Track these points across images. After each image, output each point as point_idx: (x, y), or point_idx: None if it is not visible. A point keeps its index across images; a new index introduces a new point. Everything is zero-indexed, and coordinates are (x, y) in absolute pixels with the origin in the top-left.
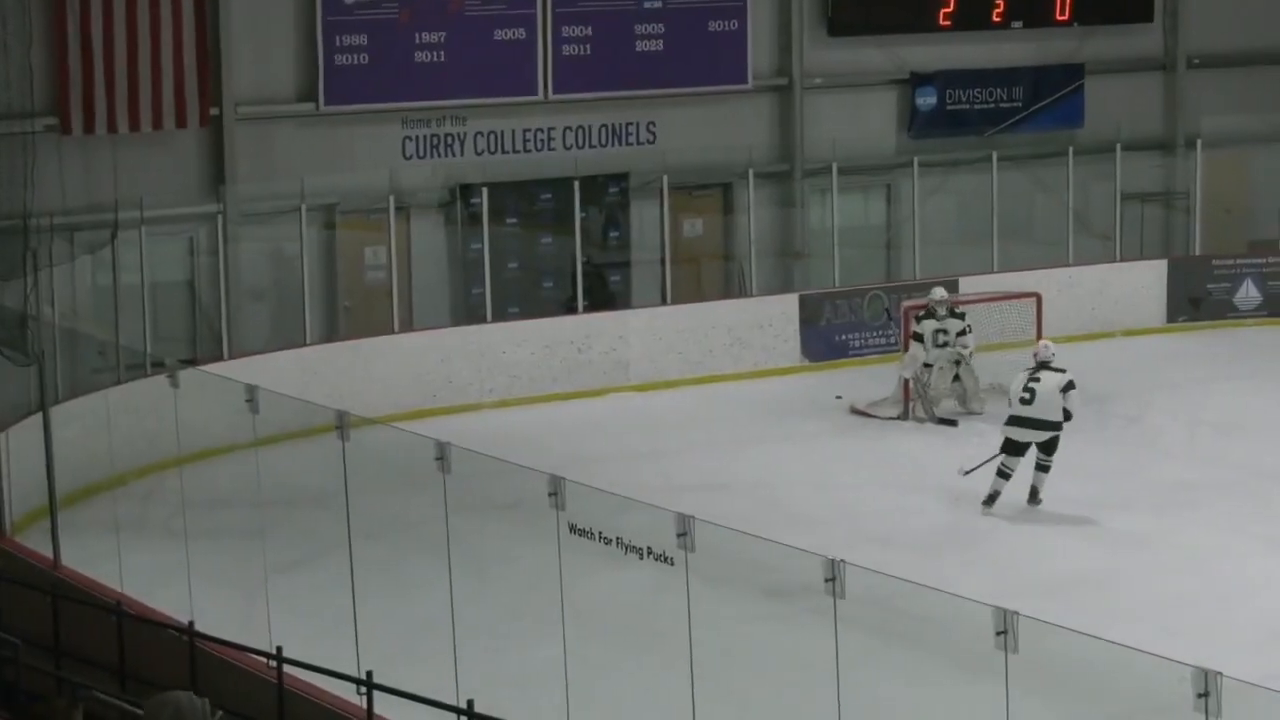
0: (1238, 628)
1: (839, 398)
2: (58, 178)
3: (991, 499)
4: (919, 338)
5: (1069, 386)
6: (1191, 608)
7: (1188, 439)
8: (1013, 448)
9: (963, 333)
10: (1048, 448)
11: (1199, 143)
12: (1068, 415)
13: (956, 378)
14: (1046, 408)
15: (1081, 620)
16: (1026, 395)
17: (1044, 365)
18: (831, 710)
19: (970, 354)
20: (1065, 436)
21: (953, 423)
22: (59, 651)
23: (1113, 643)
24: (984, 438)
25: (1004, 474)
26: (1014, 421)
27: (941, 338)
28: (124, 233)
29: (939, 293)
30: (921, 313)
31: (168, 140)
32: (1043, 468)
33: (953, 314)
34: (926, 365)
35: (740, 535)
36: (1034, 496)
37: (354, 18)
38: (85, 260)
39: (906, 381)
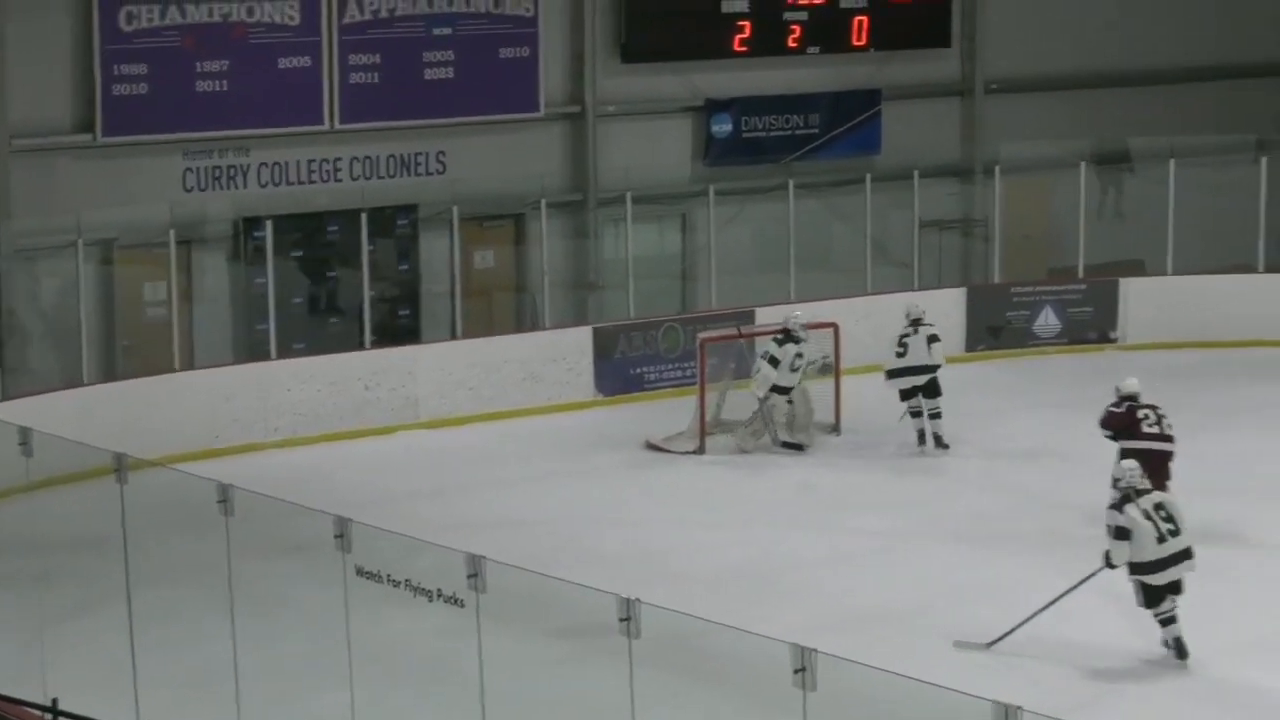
0: (1040, 660)
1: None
2: None
3: (920, 437)
4: (774, 361)
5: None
6: (990, 639)
7: (987, 470)
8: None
9: (825, 357)
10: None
11: (997, 169)
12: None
13: (789, 402)
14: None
15: (883, 655)
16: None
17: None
18: None
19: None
20: (865, 469)
21: (800, 446)
22: None
23: (911, 678)
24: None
25: (916, 413)
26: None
27: (798, 363)
28: None
29: (800, 316)
30: (780, 336)
31: None
32: (934, 415)
33: (805, 337)
34: (779, 390)
35: (533, 575)
36: (940, 443)
37: (133, 46)
38: None
39: (703, 415)
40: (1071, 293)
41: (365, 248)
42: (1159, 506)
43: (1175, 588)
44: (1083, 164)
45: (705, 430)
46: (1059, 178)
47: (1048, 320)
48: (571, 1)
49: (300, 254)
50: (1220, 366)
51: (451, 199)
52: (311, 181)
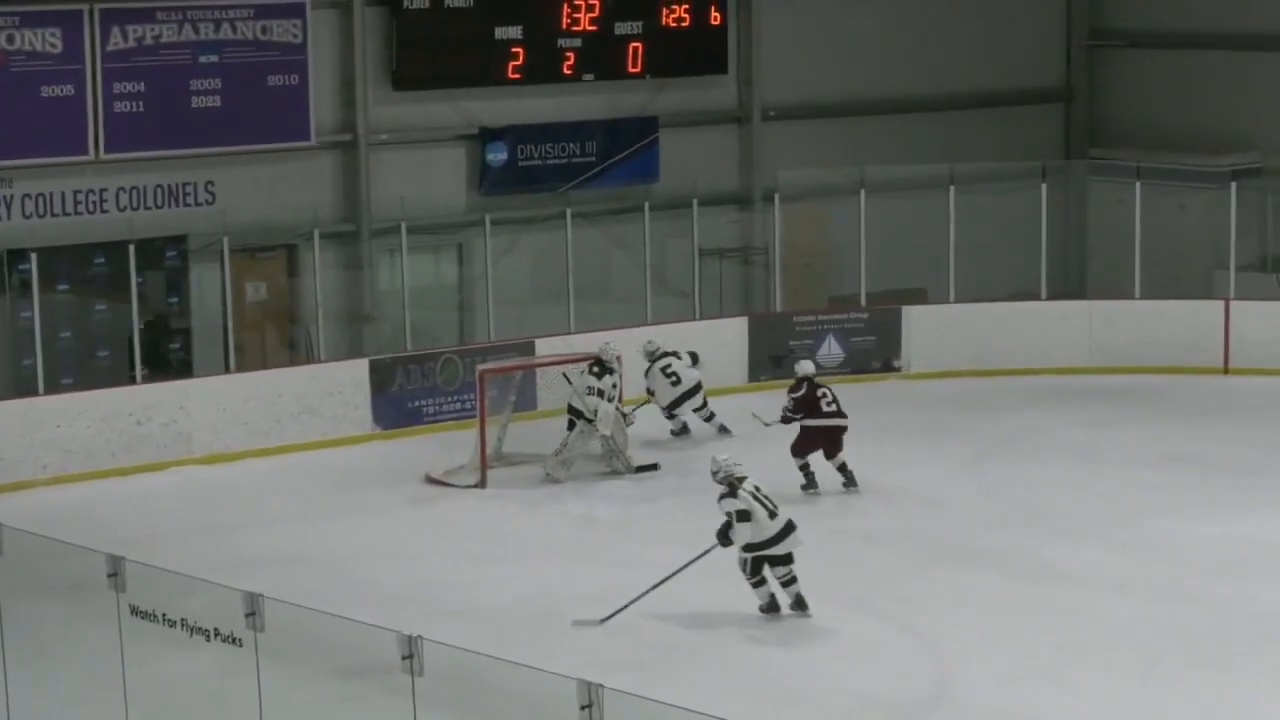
0: (827, 695)
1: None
2: None
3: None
4: (600, 393)
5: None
6: (773, 672)
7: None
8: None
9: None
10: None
11: (776, 196)
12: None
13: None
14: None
15: (669, 691)
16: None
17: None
18: None
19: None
20: (647, 497)
21: (654, 466)
22: None
23: (701, 714)
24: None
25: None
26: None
27: (612, 392)
28: None
29: (613, 346)
30: (595, 368)
31: None
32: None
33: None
34: (582, 416)
35: (312, 613)
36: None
37: None
38: None
39: (484, 448)
40: (854, 321)
41: (134, 279)
42: (758, 489)
43: (788, 558)
44: (861, 190)
45: (486, 464)
46: (839, 204)
47: (831, 349)
48: (341, 28)
49: (66, 287)
50: (1003, 394)
51: (222, 229)
52: (78, 213)
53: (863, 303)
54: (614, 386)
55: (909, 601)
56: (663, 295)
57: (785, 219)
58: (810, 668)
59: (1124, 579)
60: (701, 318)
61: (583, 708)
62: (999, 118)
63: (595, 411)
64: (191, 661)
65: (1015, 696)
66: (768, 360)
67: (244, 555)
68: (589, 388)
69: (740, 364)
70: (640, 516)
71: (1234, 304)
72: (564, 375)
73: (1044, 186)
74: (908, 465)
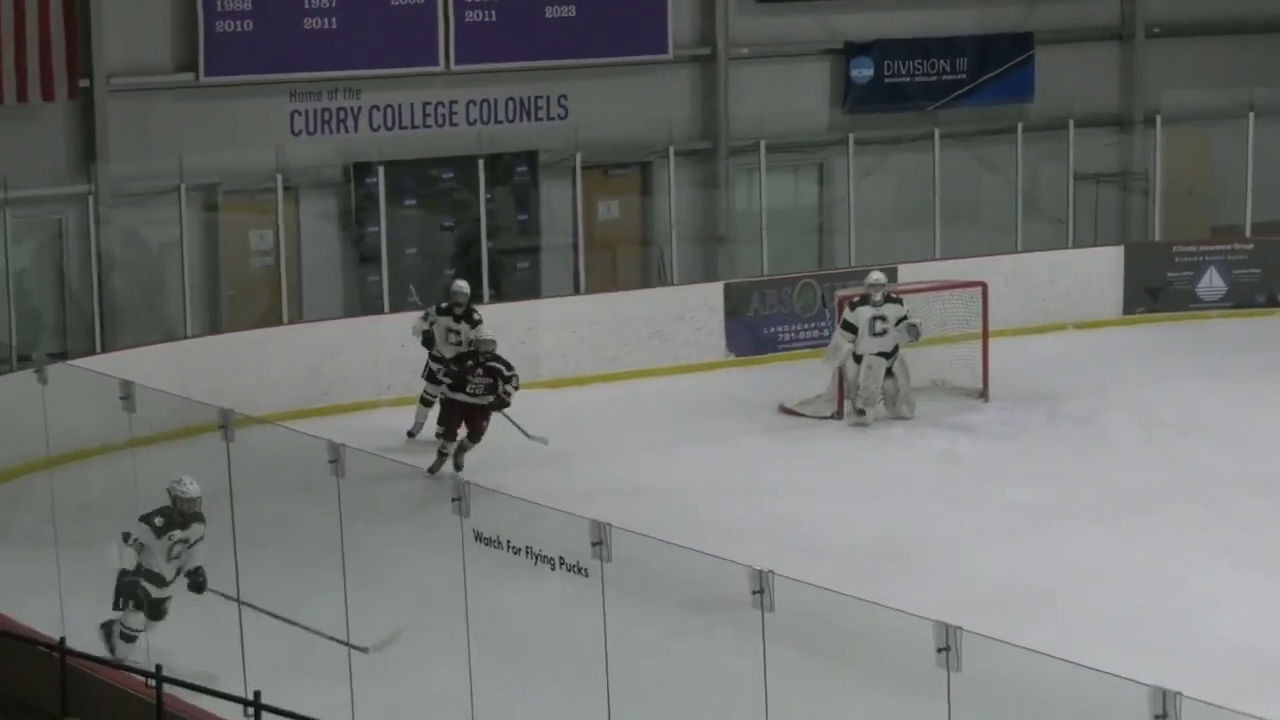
0: (1197, 645)
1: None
2: None
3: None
4: (850, 327)
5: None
6: (1148, 623)
7: (1145, 441)
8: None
9: (904, 318)
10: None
11: (1159, 119)
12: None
13: (889, 373)
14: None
15: (1029, 636)
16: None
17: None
18: None
19: (913, 341)
20: (1014, 439)
21: (862, 414)
22: None
23: (1063, 660)
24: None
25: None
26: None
27: (879, 325)
28: None
29: (876, 276)
30: (856, 299)
31: (33, 114)
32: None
33: (890, 300)
34: (856, 358)
35: (661, 544)
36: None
37: None
38: None
39: (841, 377)
40: (1238, 253)
41: (483, 196)
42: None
43: None
44: (1250, 114)
45: (844, 394)
46: (1224, 129)
47: (1212, 282)
48: None
49: (413, 202)
50: None
51: (574, 145)
52: (426, 126)
53: (1248, 233)
54: (874, 319)
55: None
56: (1034, 222)
57: (1167, 143)
58: (1182, 617)
59: None
60: (1075, 246)
61: (939, 650)
62: None
63: (889, 356)
64: (535, 590)
65: None
66: (1144, 293)
67: (587, 484)
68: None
69: (1115, 296)
70: (1004, 455)
71: None
72: (846, 322)
73: None
74: None
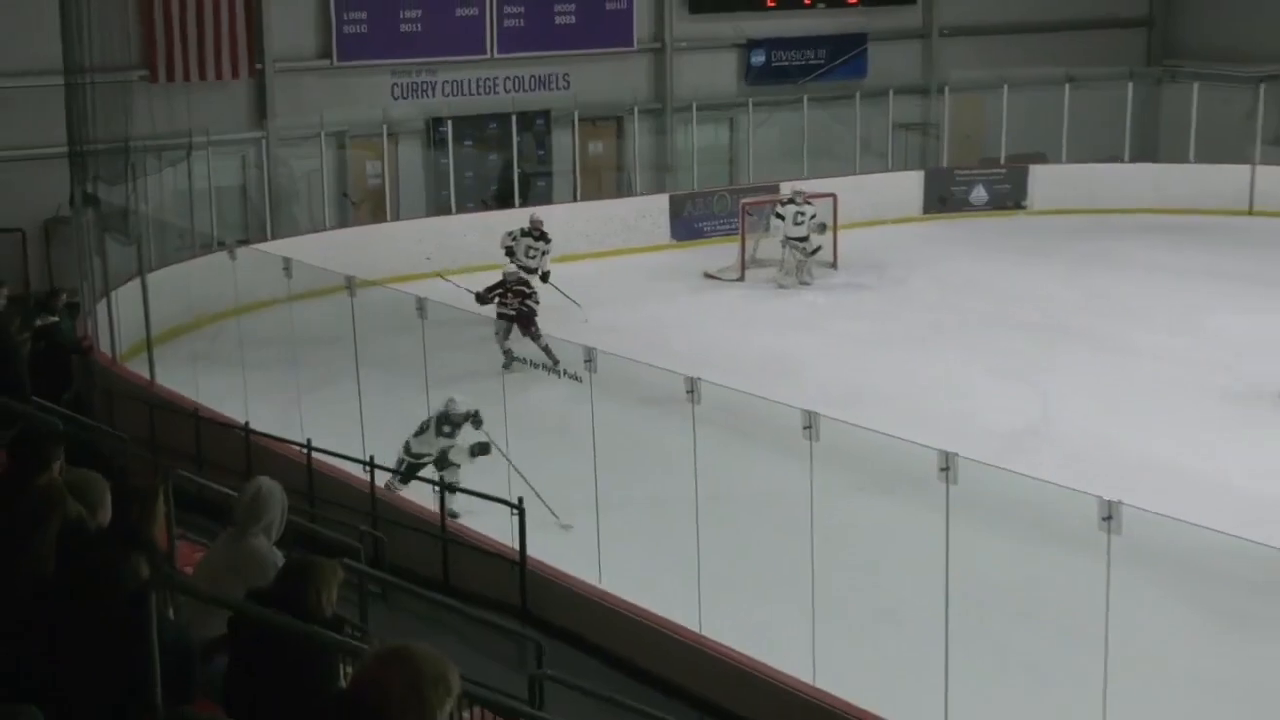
0: (966, 425)
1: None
2: (148, 113)
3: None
4: (780, 216)
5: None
6: (936, 408)
7: (938, 295)
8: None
9: (814, 216)
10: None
11: (947, 89)
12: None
13: (802, 252)
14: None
15: (869, 420)
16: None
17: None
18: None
19: (820, 233)
20: (854, 293)
21: (808, 282)
22: (154, 445)
23: (905, 440)
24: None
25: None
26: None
27: (799, 218)
28: (196, 152)
29: (792, 190)
30: (784, 200)
31: (226, 87)
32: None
33: (806, 203)
34: (793, 240)
35: (624, 361)
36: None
37: None
38: (169, 171)
39: (744, 255)
40: (996, 175)
41: (515, 138)
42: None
43: None
44: (1004, 86)
45: (745, 265)
46: (990, 95)
47: (979, 193)
48: None
49: (470, 143)
50: (1096, 227)
51: (573, 106)
52: (477, 94)
53: (1002, 162)
54: (798, 213)
55: (1028, 364)
56: (867, 156)
57: (952, 105)
58: (957, 406)
59: (1177, 352)
60: (892, 170)
61: (805, 428)
62: (1103, 37)
63: (773, 227)
64: (547, 394)
65: (1098, 427)
66: (936, 200)
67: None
68: (774, 212)
69: (918, 203)
70: (845, 302)
71: (1258, 168)
72: (776, 213)
73: (1130, 85)
74: (1026, 273)
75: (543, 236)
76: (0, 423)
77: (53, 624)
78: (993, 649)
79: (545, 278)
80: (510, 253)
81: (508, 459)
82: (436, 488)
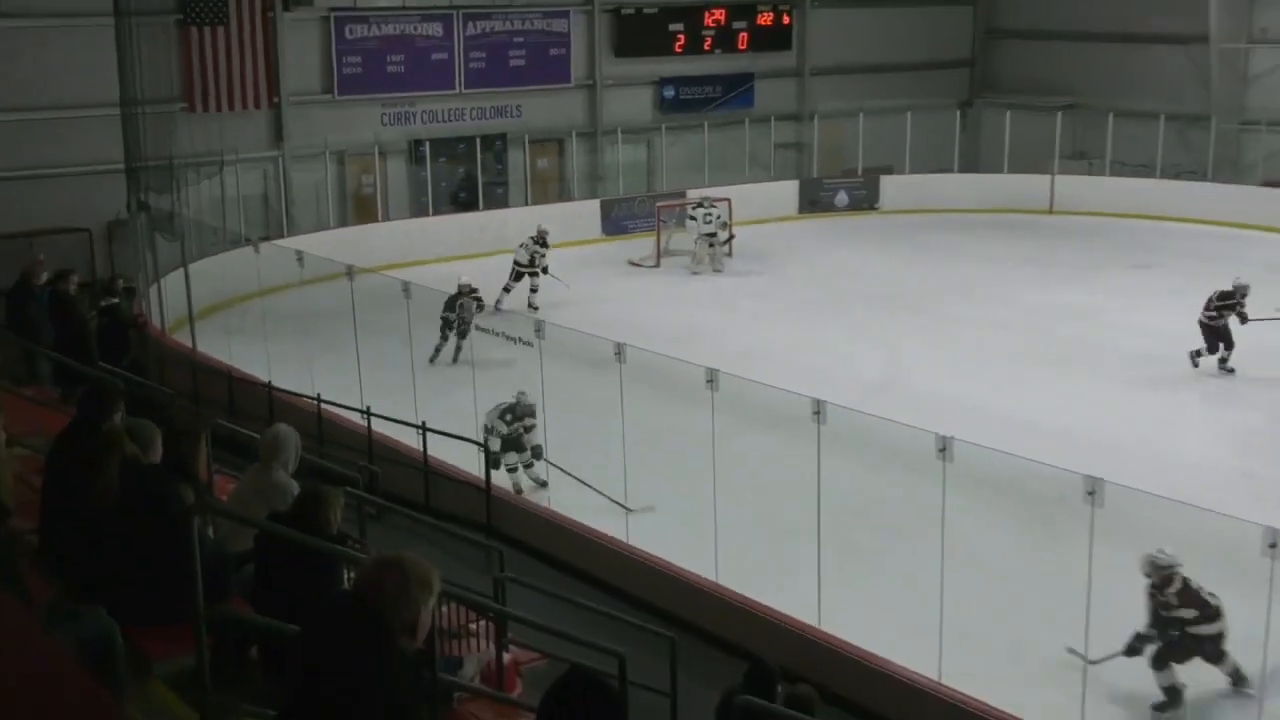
0: (838, 375)
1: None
2: (188, 136)
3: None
4: (694, 219)
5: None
6: (812, 365)
7: (811, 277)
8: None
9: (720, 216)
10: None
11: (816, 116)
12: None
13: (711, 245)
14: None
15: (760, 376)
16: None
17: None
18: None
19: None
20: (746, 276)
21: (720, 270)
22: (196, 398)
23: (791, 391)
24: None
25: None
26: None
27: (707, 218)
28: (226, 167)
29: (701, 196)
30: (696, 204)
31: (249, 115)
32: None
33: (714, 206)
34: (706, 235)
35: (566, 331)
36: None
37: (353, 47)
38: (205, 183)
39: (659, 247)
40: (854, 183)
41: (479, 156)
42: None
43: None
44: (860, 114)
45: (660, 254)
46: (849, 121)
47: (841, 197)
48: (587, 24)
49: (444, 159)
50: (934, 224)
51: (524, 131)
52: (449, 121)
53: (859, 173)
54: (706, 215)
55: (880, 330)
56: (754, 168)
57: (820, 128)
58: (829, 362)
59: (995, 319)
60: (774, 180)
61: (707, 381)
62: (936, 75)
63: (690, 225)
64: (508, 355)
65: (934, 378)
66: (808, 203)
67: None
68: (690, 214)
69: (794, 204)
70: (739, 284)
71: (1056, 177)
72: (690, 215)
73: (957, 113)
74: (878, 260)
75: (544, 242)
76: (73, 382)
77: (115, 541)
78: (854, 551)
79: (545, 270)
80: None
81: (564, 470)
82: (510, 467)
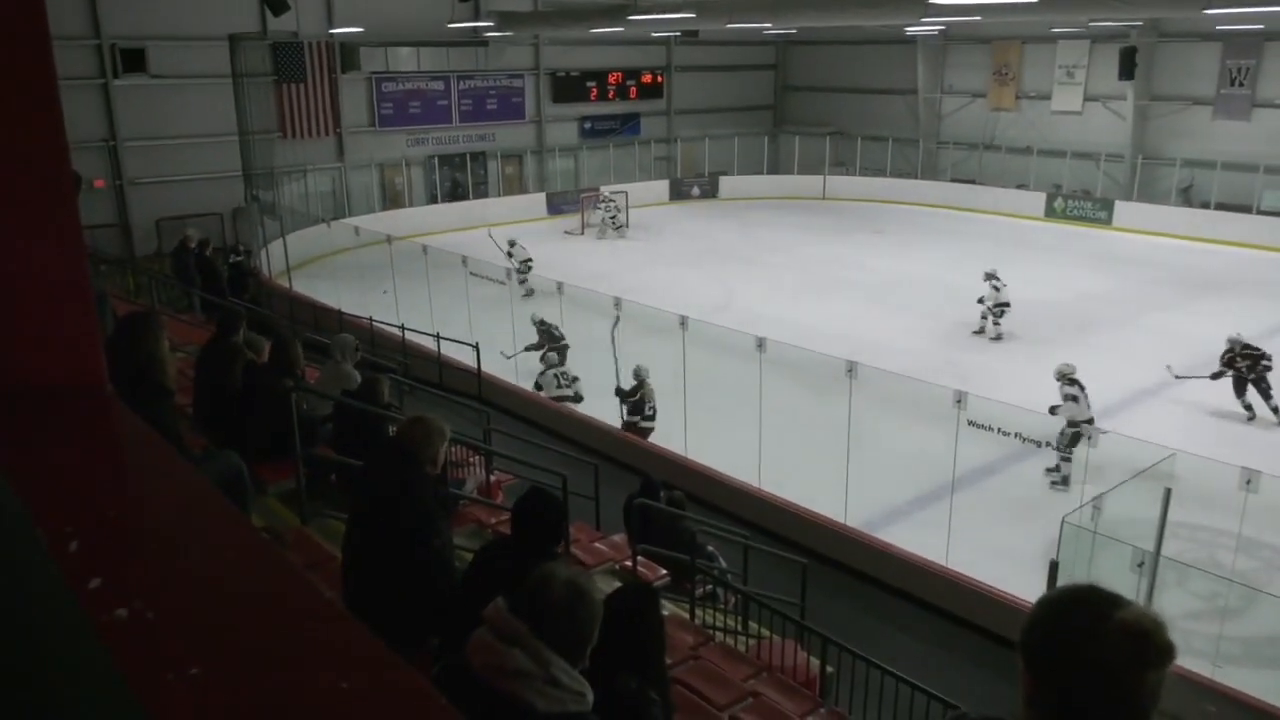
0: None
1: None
2: (282, 153)
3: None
4: (602, 205)
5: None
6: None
7: (686, 244)
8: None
9: (618, 203)
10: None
11: (679, 140)
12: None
13: (613, 220)
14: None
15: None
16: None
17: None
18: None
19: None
20: (639, 242)
21: (622, 236)
22: (293, 320)
23: (708, 321)
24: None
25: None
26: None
27: (611, 206)
28: (308, 173)
29: (607, 190)
30: (605, 196)
31: (322, 140)
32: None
33: (613, 199)
34: (610, 215)
35: (523, 291)
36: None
37: (387, 95)
38: (295, 184)
39: (582, 219)
40: (703, 181)
41: (469, 166)
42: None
43: None
44: (706, 139)
45: (584, 226)
46: (701, 143)
47: (695, 190)
48: (536, 82)
49: (447, 169)
50: (751, 206)
51: (497, 150)
52: (450, 144)
53: (706, 175)
54: (611, 203)
55: (719, 272)
56: (641, 173)
57: (682, 148)
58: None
59: (788, 265)
60: (655, 179)
61: (615, 305)
62: (752, 113)
63: (603, 209)
64: (485, 290)
65: (754, 302)
66: (675, 194)
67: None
68: (602, 202)
69: (665, 195)
70: (631, 245)
71: (827, 177)
72: (600, 202)
73: (765, 137)
74: (717, 229)
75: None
76: (212, 311)
77: (240, 412)
78: (705, 410)
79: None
80: (512, 244)
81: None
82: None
